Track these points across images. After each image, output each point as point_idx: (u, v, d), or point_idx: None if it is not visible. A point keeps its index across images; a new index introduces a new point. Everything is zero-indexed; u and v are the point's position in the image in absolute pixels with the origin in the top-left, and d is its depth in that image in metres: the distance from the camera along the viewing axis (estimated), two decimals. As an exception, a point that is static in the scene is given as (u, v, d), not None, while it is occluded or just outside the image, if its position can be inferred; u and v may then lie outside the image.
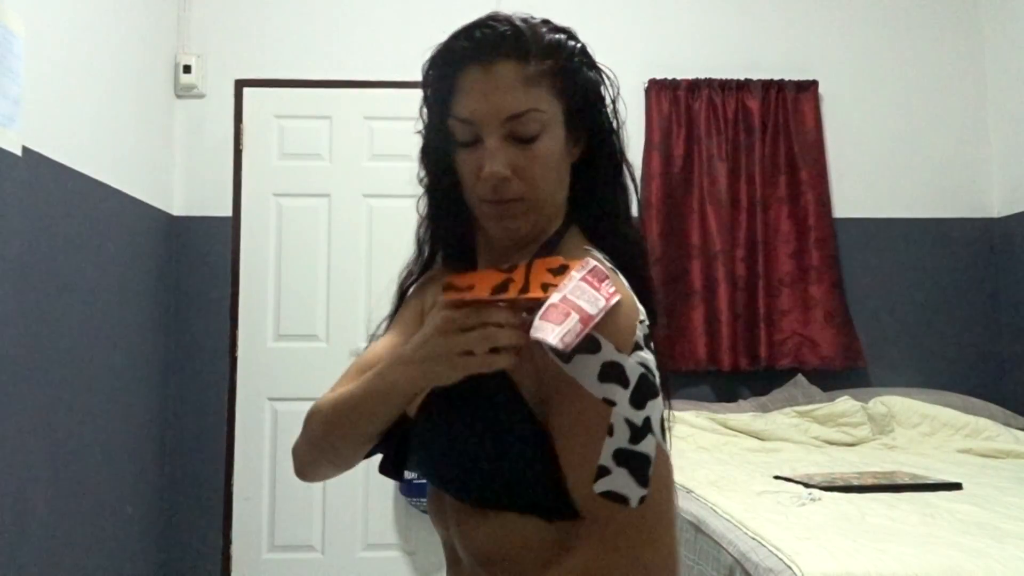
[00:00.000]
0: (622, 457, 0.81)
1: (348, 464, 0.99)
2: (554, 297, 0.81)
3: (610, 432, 0.81)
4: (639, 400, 0.83)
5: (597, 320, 0.81)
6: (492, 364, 0.82)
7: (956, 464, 2.68)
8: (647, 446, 0.82)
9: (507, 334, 0.81)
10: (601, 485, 0.81)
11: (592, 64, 0.96)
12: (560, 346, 0.78)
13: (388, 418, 0.90)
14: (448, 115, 0.93)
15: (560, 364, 0.83)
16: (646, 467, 0.82)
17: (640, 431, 0.82)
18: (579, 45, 0.95)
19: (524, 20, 0.93)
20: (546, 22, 0.94)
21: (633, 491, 0.81)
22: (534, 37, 0.91)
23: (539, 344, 0.80)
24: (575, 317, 0.80)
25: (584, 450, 0.82)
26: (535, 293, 0.82)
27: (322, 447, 0.96)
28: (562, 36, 0.94)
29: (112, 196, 2.88)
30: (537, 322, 0.79)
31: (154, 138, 3.34)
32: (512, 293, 0.82)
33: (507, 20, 0.92)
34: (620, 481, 0.81)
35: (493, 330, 0.81)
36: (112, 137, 2.92)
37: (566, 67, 0.92)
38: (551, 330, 0.78)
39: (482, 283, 0.84)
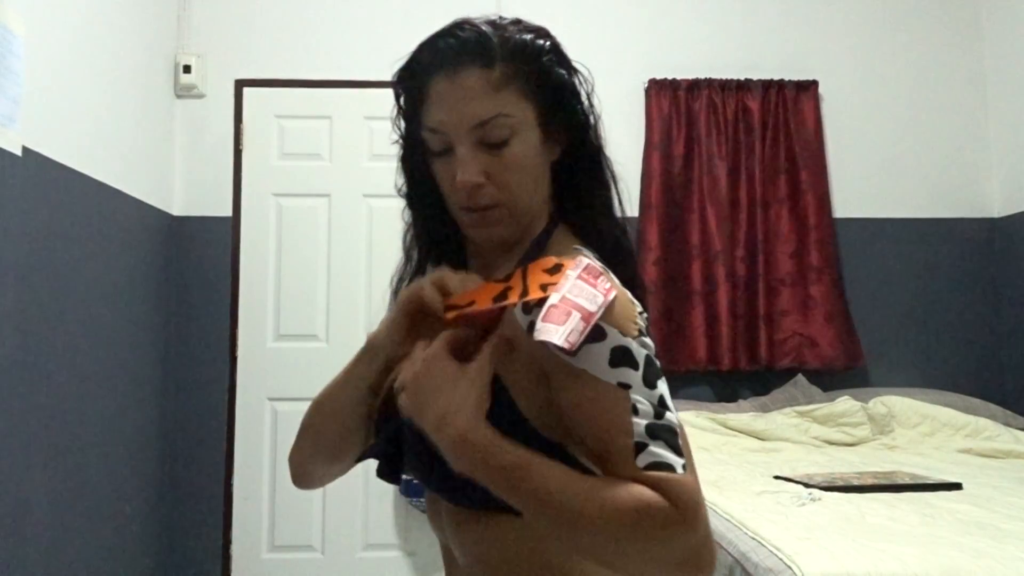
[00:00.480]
0: (653, 431, 0.82)
1: (337, 454, 0.98)
2: (553, 298, 0.82)
3: (634, 411, 0.82)
4: (650, 380, 0.83)
5: (598, 316, 0.81)
6: (428, 297, 0.86)
7: (956, 464, 2.68)
8: (670, 420, 0.83)
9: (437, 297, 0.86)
10: (643, 459, 0.81)
11: (564, 61, 0.96)
12: (566, 346, 0.79)
13: (360, 387, 0.93)
14: (421, 126, 0.93)
15: (566, 358, 0.83)
16: (675, 438, 0.83)
17: (658, 408, 0.83)
18: (548, 44, 0.95)
19: (490, 24, 0.92)
20: (516, 22, 0.94)
21: (675, 460, 0.81)
22: (500, 41, 0.91)
23: (542, 344, 0.80)
24: (576, 316, 0.80)
25: (616, 433, 0.82)
26: (535, 295, 0.83)
27: (312, 435, 0.98)
28: (529, 36, 0.93)
29: (112, 196, 2.88)
30: (539, 324, 0.80)
31: (154, 138, 3.34)
32: (513, 299, 0.83)
33: (472, 26, 0.92)
34: (660, 452, 0.81)
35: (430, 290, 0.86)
36: (112, 137, 2.92)
37: (534, 68, 0.92)
38: (555, 331, 0.79)
39: (482, 296, 0.85)
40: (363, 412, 0.94)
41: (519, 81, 0.91)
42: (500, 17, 0.94)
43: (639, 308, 0.89)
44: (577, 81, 0.96)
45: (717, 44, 3.72)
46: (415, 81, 0.93)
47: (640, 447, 0.81)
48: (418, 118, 0.94)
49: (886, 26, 3.79)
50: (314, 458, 0.99)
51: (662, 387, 0.85)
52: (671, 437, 0.82)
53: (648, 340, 0.86)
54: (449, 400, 0.81)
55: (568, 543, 0.82)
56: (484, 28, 0.91)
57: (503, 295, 0.84)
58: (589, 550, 0.81)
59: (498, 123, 0.90)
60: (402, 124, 0.99)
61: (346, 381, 0.94)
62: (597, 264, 0.89)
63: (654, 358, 0.86)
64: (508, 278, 0.87)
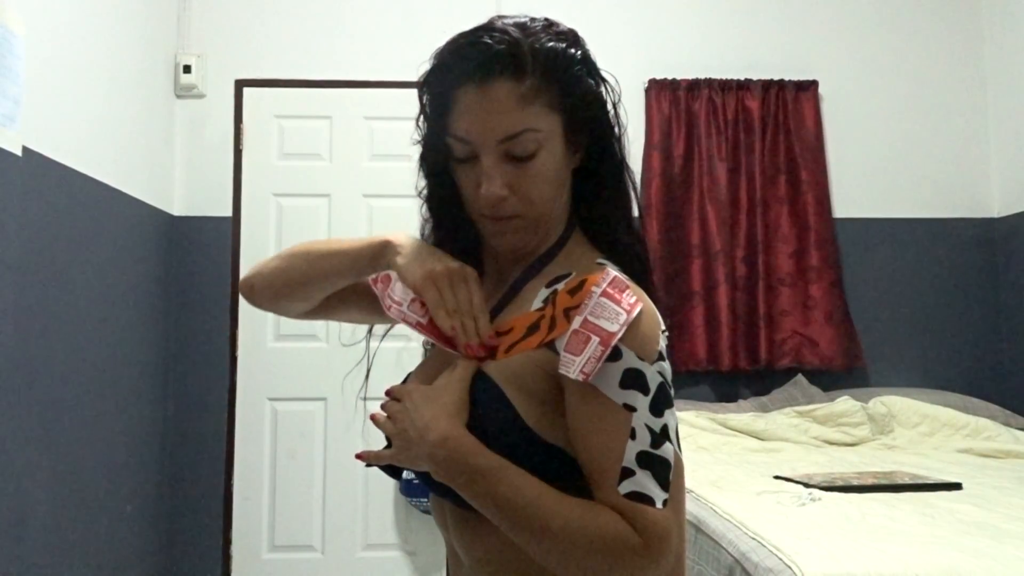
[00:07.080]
0: (645, 460, 0.82)
1: (296, 297, 1.07)
2: (575, 323, 0.84)
3: (632, 435, 0.82)
4: (657, 408, 0.84)
5: (619, 336, 0.82)
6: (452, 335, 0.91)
7: (956, 464, 2.68)
8: (666, 452, 0.83)
9: (470, 329, 0.90)
10: (626, 486, 0.81)
11: (593, 71, 0.95)
12: (580, 378, 0.82)
13: (348, 270, 1.01)
14: (445, 132, 0.92)
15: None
16: (667, 471, 0.83)
17: (658, 437, 0.83)
18: (579, 53, 0.93)
19: (522, 29, 0.90)
20: (547, 27, 0.92)
21: (657, 494, 0.82)
22: (531, 50, 0.89)
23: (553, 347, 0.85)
24: (595, 341, 0.82)
25: (608, 453, 0.82)
26: (561, 327, 0.86)
27: (284, 279, 1.05)
28: (561, 45, 0.91)
29: (112, 196, 2.88)
30: (563, 355, 0.84)
31: (154, 138, 3.34)
32: (544, 329, 0.88)
33: (503, 33, 0.89)
34: (644, 483, 0.81)
35: (463, 318, 0.90)
36: (112, 137, 2.92)
37: (564, 79, 0.91)
38: (571, 363, 0.83)
39: (519, 325, 0.91)
40: (352, 271, 1.02)
41: (548, 93, 0.90)
42: (531, 19, 0.92)
43: (663, 326, 0.89)
44: (605, 91, 0.95)
45: (717, 44, 3.72)
46: (442, 86, 0.91)
47: (627, 473, 0.82)
48: (443, 123, 0.92)
49: (886, 26, 3.79)
50: (276, 295, 1.08)
51: (669, 417, 0.85)
52: (662, 469, 0.82)
53: (666, 365, 0.86)
54: (431, 411, 0.86)
55: (534, 554, 0.83)
56: (515, 35, 0.89)
57: (536, 325, 0.89)
58: (552, 564, 0.83)
59: (526, 138, 0.89)
60: (423, 126, 0.98)
61: (350, 264, 1.00)
62: (623, 276, 0.89)
63: (668, 385, 0.86)
64: (544, 304, 0.90)
